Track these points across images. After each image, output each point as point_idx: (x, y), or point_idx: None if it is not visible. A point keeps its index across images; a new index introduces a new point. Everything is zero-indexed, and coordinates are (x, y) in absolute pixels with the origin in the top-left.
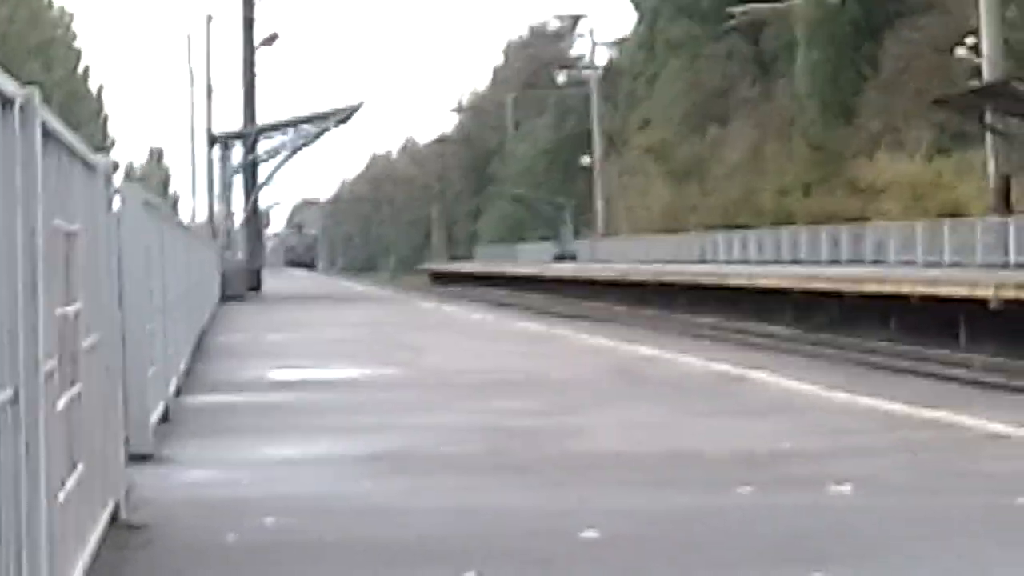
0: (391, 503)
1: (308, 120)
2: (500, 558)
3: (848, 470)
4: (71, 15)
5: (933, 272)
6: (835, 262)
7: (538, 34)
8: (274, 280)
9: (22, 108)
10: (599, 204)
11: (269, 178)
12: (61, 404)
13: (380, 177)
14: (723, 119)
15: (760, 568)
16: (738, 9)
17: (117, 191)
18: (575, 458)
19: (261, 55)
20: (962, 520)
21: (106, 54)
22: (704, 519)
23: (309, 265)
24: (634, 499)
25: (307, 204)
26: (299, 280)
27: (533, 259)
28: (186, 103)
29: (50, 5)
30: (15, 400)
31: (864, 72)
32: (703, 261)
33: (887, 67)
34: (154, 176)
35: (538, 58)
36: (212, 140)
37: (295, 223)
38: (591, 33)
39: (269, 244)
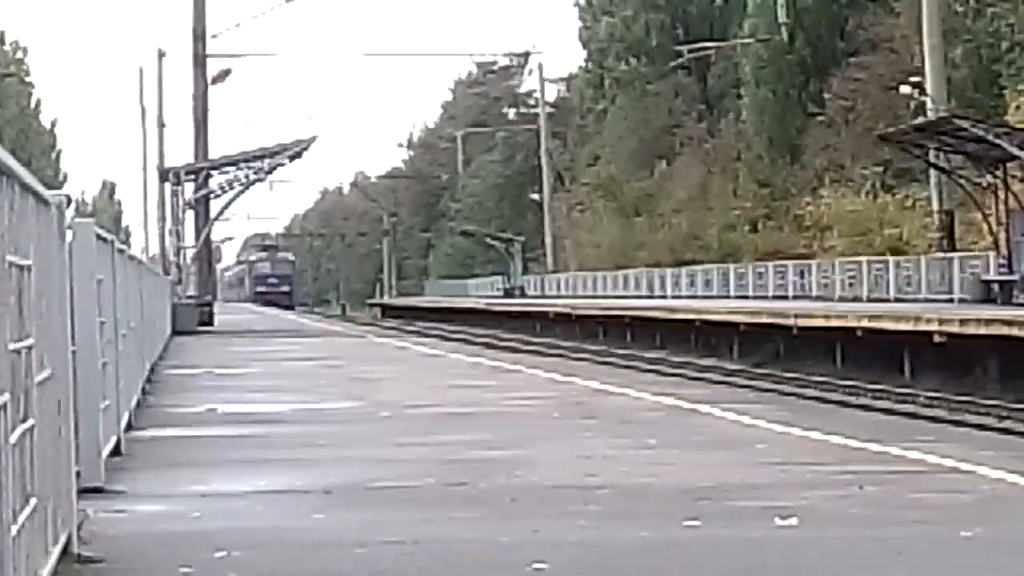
0: (345, 536)
1: (261, 156)
2: None
3: (795, 503)
4: (24, 49)
5: (878, 307)
6: (782, 297)
7: (487, 71)
8: (228, 315)
9: None
10: (548, 240)
11: (220, 212)
12: (14, 438)
13: (331, 211)
14: (670, 156)
15: None
16: (685, 47)
17: (70, 226)
18: (526, 490)
19: (214, 90)
20: (907, 552)
21: (59, 87)
22: (652, 552)
23: (286, 303)
24: (583, 532)
25: (258, 237)
26: (251, 315)
27: (483, 294)
28: (139, 137)
29: (2, 40)
30: None
31: (810, 110)
32: (651, 296)
33: (832, 105)
34: (106, 210)
35: (487, 95)
36: (164, 175)
37: (266, 244)
38: (540, 70)
39: (228, 274)
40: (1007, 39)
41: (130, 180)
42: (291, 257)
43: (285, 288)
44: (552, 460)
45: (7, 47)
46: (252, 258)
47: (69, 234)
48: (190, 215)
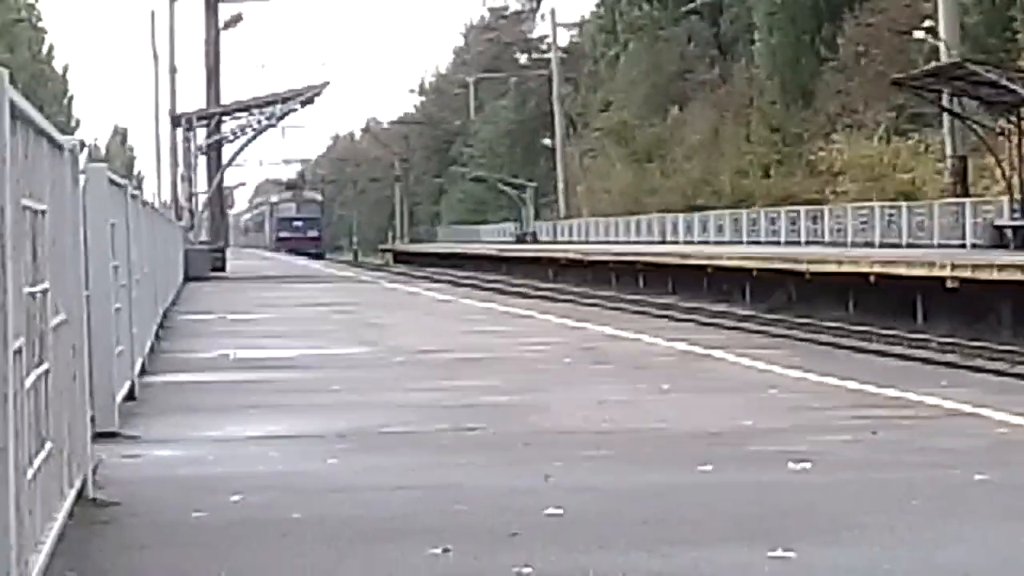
0: (357, 480)
1: (272, 101)
2: (467, 534)
3: (808, 447)
4: None
5: (891, 252)
6: (794, 243)
7: (499, 16)
8: (241, 260)
9: None
10: (560, 186)
11: (233, 158)
12: (29, 382)
13: (343, 157)
14: (683, 101)
15: (721, 545)
16: None
17: (83, 171)
18: (539, 435)
19: (226, 35)
20: (920, 495)
21: (70, 32)
22: (666, 496)
23: (313, 250)
24: (597, 476)
25: (270, 183)
26: (263, 261)
27: (495, 240)
28: (151, 83)
29: None
30: None
31: (823, 54)
32: (663, 242)
33: (846, 50)
34: (119, 156)
35: (499, 40)
36: (176, 120)
37: (291, 181)
38: (552, 15)
39: (245, 218)
40: None
41: (142, 126)
42: (319, 197)
43: (313, 233)
44: (565, 405)
45: None
46: (274, 199)
47: (82, 179)
48: (202, 161)
